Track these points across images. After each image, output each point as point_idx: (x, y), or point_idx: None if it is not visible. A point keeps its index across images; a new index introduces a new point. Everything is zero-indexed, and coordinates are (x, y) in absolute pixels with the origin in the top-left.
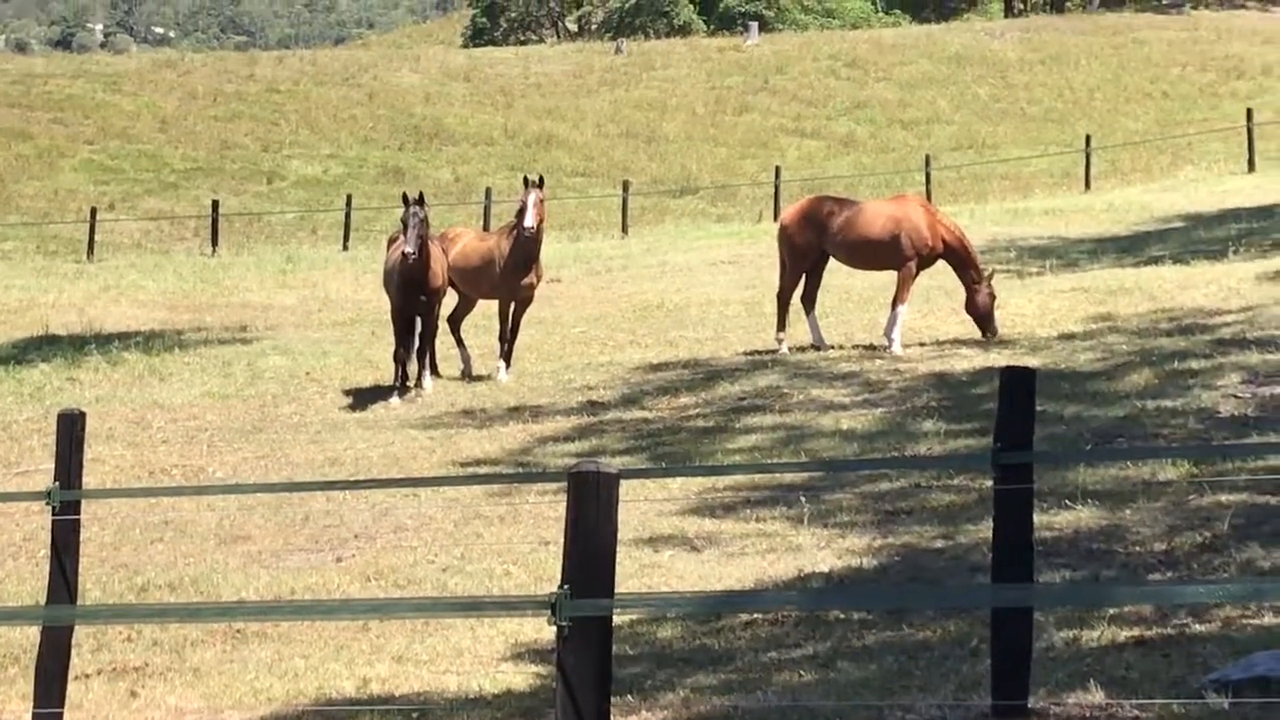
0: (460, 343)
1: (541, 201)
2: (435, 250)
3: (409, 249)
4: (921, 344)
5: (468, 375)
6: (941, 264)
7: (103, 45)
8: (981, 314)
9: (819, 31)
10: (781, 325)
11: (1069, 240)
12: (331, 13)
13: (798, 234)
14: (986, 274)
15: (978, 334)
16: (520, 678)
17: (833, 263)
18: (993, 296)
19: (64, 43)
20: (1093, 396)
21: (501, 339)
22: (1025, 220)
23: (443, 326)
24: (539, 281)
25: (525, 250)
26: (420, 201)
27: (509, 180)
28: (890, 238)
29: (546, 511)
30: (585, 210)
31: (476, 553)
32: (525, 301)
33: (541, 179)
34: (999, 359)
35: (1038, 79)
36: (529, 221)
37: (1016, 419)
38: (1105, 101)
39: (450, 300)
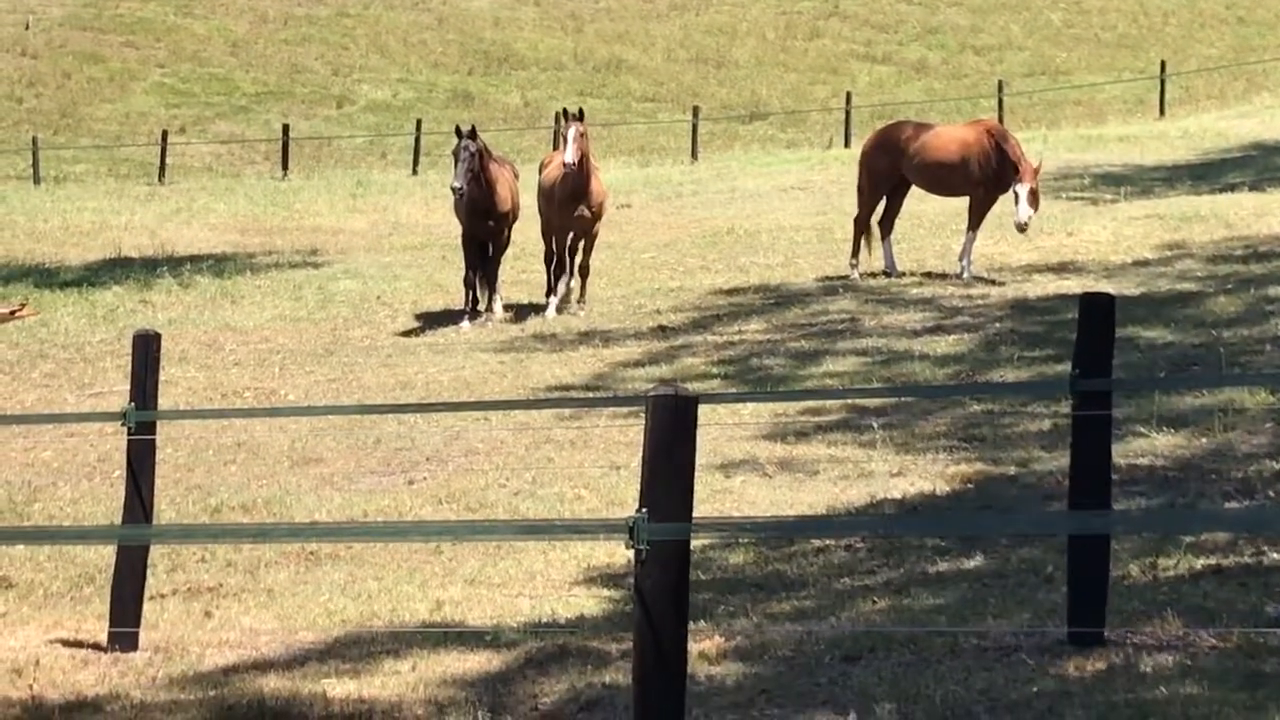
0: (561, 264)
1: (582, 135)
2: (503, 174)
3: (456, 183)
4: (995, 270)
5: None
6: None
7: None
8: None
9: None
10: (856, 251)
11: (1143, 167)
12: None
13: (876, 159)
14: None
15: (1051, 260)
16: (593, 602)
17: (915, 190)
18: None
19: None
20: (1169, 324)
21: (560, 270)
22: (1099, 147)
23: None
24: (594, 215)
25: (571, 183)
26: (473, 135)
27: (579, 105)
28: (960, 161)
29: (617, 436)
30: (655, 136)
31: (548, 477)
32: (583, 234)
33: (582, 111)
34: (1073, 285)
35: (1112, 4)
36: (568, 158)
37: (1095, 345)
38: (1180, 27)
39: None
